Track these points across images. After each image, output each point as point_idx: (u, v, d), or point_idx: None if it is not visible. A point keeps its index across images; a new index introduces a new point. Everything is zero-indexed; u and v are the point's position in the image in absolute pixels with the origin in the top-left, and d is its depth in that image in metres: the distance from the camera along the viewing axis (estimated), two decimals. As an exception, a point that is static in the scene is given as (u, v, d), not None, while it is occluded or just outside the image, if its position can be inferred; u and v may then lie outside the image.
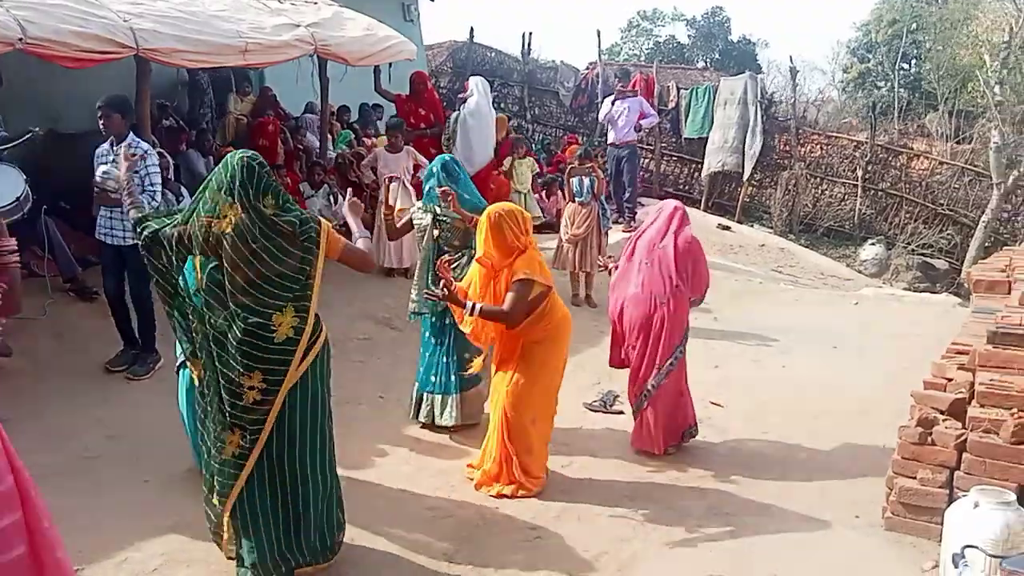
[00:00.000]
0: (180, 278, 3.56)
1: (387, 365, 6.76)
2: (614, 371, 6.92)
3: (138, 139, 5.89)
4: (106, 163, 5.79)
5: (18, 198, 5.20)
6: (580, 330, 7.91)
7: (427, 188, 5.54)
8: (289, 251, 3.34)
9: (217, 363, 3.41)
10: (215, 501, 3.60)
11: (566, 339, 4.76)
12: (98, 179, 5.65)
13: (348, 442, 5.15)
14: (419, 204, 5.64)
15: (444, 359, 5.41)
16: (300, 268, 3.38)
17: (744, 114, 14.14)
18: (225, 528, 3.62)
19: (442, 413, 5.43)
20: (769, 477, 5.01)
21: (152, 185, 5.79)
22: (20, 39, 5.53)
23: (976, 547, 3.27)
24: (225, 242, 3.28)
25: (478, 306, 4.45)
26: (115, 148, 5.77)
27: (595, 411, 6.09)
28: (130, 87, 7.02)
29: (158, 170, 5.88)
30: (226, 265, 3.30)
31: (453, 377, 5.41)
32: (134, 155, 5.62)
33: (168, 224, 3.54)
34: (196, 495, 4.27)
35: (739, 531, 4.36)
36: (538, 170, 9.85)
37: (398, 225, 5.64)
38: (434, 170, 5.48)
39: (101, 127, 5.79)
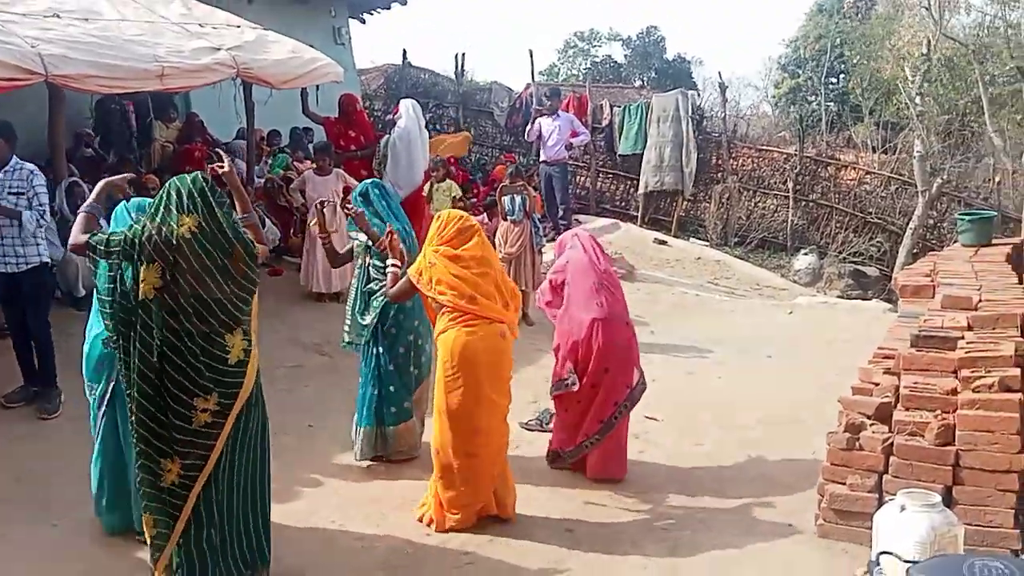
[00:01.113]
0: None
1: (316, 392, 6.59)
2: (549, 389, 6.90)
3: (21, 161, 5.67)
4: None
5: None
6: (517, 348, 7.85)
7: (362, 204, 5.40)
8: (236, 268, 3.32)
9: (163, 384, 3.25)
10: (149, 533, 3.43)
11: (459, 369, 4.23)
12: None
13: (275, 473, 4.94)
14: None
15: (372, 391, 5.24)
16: (243, 286, 3.35)
17: (678, 131, 14.29)
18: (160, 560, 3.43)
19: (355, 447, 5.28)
20: (705, 491, 4.99)
21: (40, 204, 5.63)
22: (-84, 67, 5.29)
23: (891, 553, 3.26)
24: (183, 247, 3.20)
25: (391, 268, 4.52)
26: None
27: (531, 430, 6.00)
28: (44, 116, 6.81)
29: (45, 189, 5.70)
30: (179, 274, 3.20)
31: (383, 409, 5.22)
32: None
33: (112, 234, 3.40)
34: (107, 539, 4.10)
35: (676, 547, 4.32)
36: (459, 194, 9.61)
37: (340, 251, 5.47)
38: (373, 194, 5.36)
39: None
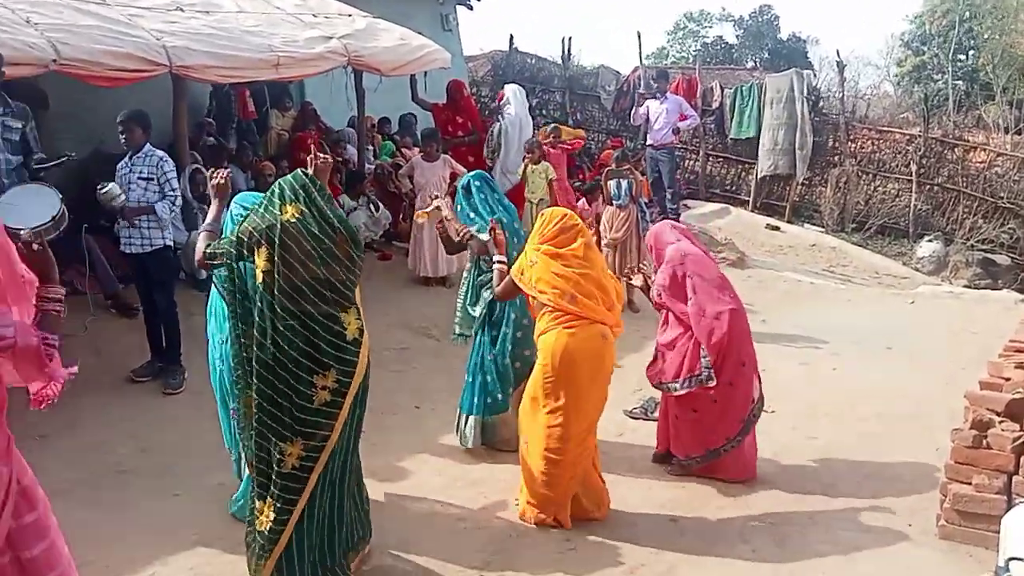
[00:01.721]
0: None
1: (423, 375, 6.69)
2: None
3: (152, 148, 5.98)
4: (124, 174, 5.92)
5: (54, 217, 5.18)
6: (621, 337, 7.78)
7: (470, 206, 5.36)
8: (341, 250, 3.40)
9: (282, 367, 3.29)
10: (268, 522, 3.37)
11: (558, 372, 4.13)
12: (99, 191, 5.74)
13: (382, 453, 5.12)
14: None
15: (473, 379, 5.26)
16: (350, 268, 3.44)
17: (792, 112, 13.80)
18: (277, 547, 3.40)
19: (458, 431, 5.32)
20: (817, 484, 4.81)
21: (172, 191, 5.94)
22: (54, 60, 5.62)
23: (1021, 559, 3.05)
24: (288, 230, 3.29)
25: (501, 265, 4.50)
26: (131, 160, 5.92)
27: (635, 419, 5.93)
28: (168, 106, 7.13)
29: (175, 175, 5.99)
30: (288, 256, 3.28)
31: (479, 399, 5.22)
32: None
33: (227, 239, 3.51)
34: (224, 509, 4.27)
35: (784, 541, 4.19)
36: (554, 176, 9.38)
37: (456, 239, 5.35)
38: (474, 187, 5.36)
39: (123, 141, 5.91)
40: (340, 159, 10.39)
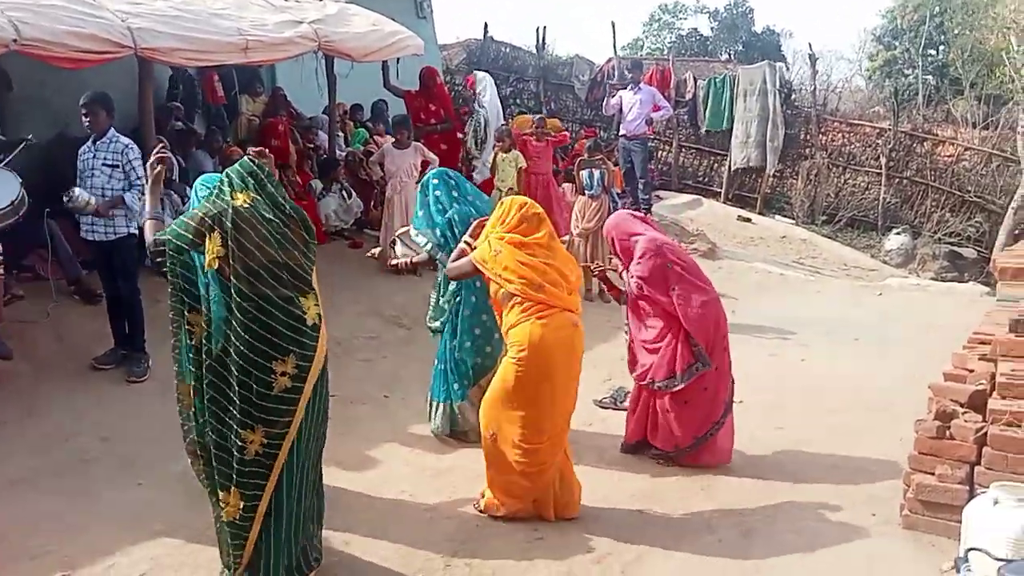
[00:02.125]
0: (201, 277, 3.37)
1: (393, 364, 6.65)
2: (624, 367, 6.79)
3: (118, 134, 5.87)
4: (87, 159, 5.81)
5: (12, 202, 5.16)
6: (592, 326, 7.69)
7: (426, 208, 5.17)
8: (296, 235, 3.38)
9: (239, 354, 3.22)
10: (237, 511, 3.33)
11: (534, 364, 4.03)
12: (65, 202, 5.61)
13: (348, 442, 5.09)
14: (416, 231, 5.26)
15: (441, 366, 5.26)
16: (306, 253, 3.40)
17: (764, 105, 13.89)
18: (251, 535, 3.37)
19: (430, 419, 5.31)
20: (783, 475, 4.84)
21: (139, 179, 5.80)
22: (15, 40, 5.47)
23: (981, 550, 3.09)
24: (240, 214, 3.24)
25: (465, 246, 4.40)
26: (95, 144, 5.80)
27: (604, 408, 5.94)
28: (134, 90, 7.00)
29: (141, 162, 5.82)
30: (243, 240, 3.22)
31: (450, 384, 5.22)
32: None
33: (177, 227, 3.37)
34: (187, 498, 4.21)
35: (750, 532, 4.21)
36: (524, 165, 9.33)
37: (419, 263, 5.34)
38: (431, 186, 5.16)
39: (86, 124, 5.79)
40: (311, 146, 10.29)
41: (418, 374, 6.38)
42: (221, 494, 3.36)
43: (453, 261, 4.47)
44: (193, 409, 3.44)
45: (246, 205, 3.28)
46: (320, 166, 9.84)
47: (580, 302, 4.34)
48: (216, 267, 3.22)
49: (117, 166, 5.77)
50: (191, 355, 3.38)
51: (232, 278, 3.21)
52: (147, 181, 3.75)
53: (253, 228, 3.25)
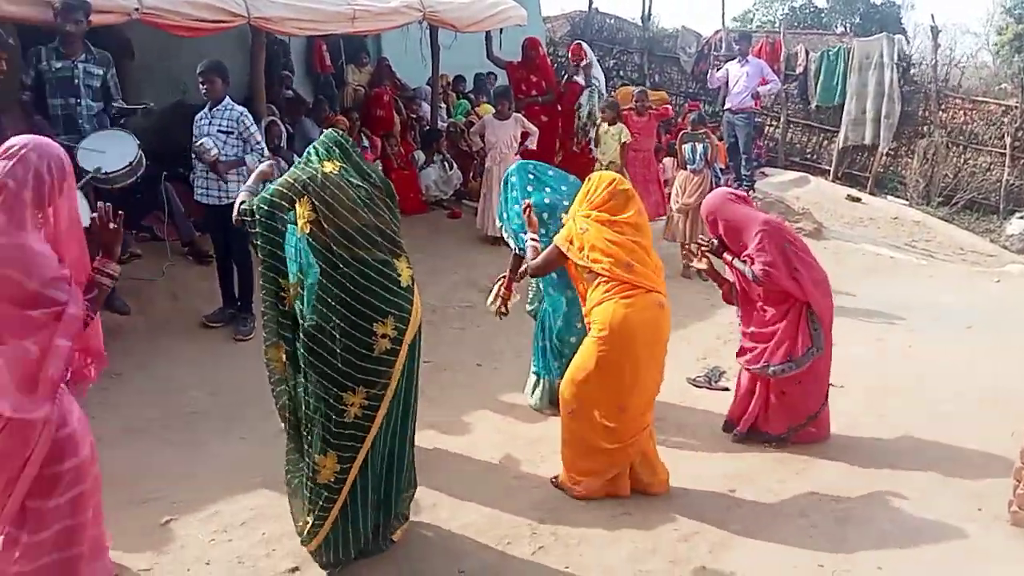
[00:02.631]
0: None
1: (487, 334, 6.70)
2: (720, 347, 6.71)
3: (232, 102, 6.08)
4: (202, 126, 6.04)
5: (130, 163, 5.40)
6: (688, 304, 7.67)
7: (509, 202, 5.08)
8: (382, 199, 3.44)
9: (340, 316, 3.23)
10: (332, 474, 3.35)
11: (616, 345, 3.95)
12: (197, 148, 5.90)
13: (441, 407, 5.18)
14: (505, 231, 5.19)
15: (539, 343, 5.28)
16: (394, 217, 3.46)
17: (880, 79, 13.27)
18: (340, 497, 3.39)
19: (531, 394, 5.34)
20: (883, 463, 4.67)
21: (257, 143, 6.05)
22: (136, 9, 5.73)
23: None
24: (328, 180, 3.29)
25: (533, 242, 4.29)
26: (211, 112, 6.01)
27: (699, 387, 5.85)
28: (247, 59, 7.25)
29: (256, 128, 6.10)
30: (335, 204, 3.25)
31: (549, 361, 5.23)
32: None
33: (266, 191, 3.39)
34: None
35: (845, 519, 4.09)
36: (628, 139, 9.06)
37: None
38: (509, 184, 5.08)
39: (203, 92, 6.02)
40: (414, 116, 10.44)
41: (510, 345, 6.45)
42: (317, 457, 3.36)
43: (531, 259, 4.28)
44: (286, 374, 3.47)
45: (335, 172, 3.33)
46: (422, 137, 9.97)
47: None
48: (308, 231, 3.23)
49: (232, 132, 5.99)
50: (283, 320, 3.40)
51: (328, 242, 3.23)
52: (256, 176, 3.78)
53: (344, 192, 3.29)
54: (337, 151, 3.42)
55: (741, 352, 4.91)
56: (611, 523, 4.00)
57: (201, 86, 6.00)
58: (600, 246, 3.94)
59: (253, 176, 3.80)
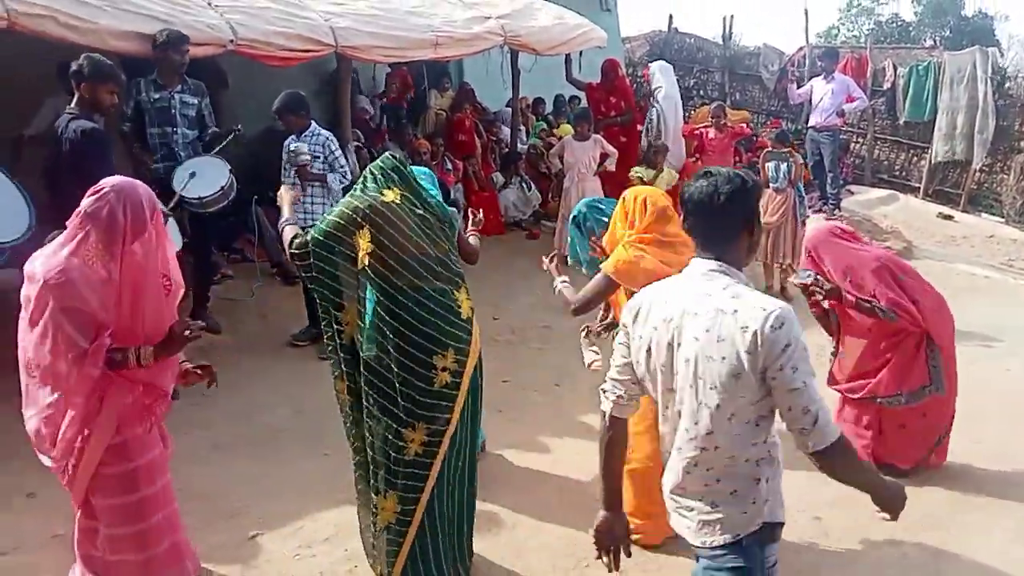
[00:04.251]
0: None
1: (564, 354, 6.68)
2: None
3: (318, 127, 6.26)
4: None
5: (223, 187, 5.61)
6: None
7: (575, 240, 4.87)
8: (441, 230, 3.36)
9: (398, 349, 3.13)
10: (394, 515, 3.28)
11: None
12: (291, 152, 6.05)
13: (520, 428, 5.21)
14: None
15: None
16: (451, 249, 3.38)
17: (973, 93, 12.79)
18: (407, 540, 3.30)
19: None
20: (980, 491, 4.49)
21: (341, 167, 6.22)
22: (231, 40, 5.98)
23: None
24: (389, 209, 3.18)
25: (558, 286, 3.92)
26: (299, 138, 6.19)
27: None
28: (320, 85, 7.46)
29: (342, 152, 6.29)
30: (394, 233, 3.14)
31: None
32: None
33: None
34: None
35: (940, 550, 3.94)
36: (674, 183, 8.77)
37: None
38: (581, 216, 4.77)
39: (283, 128, 6.28)
40: (495, 139, 10.57)
41: (589, 365, 6.42)
42: (376, 499, 3.29)
43: (571, 299, 3.92)
44: (349, 409, 3.38)
45: (396, 201, 3.23)
46: (502, 159, 10.09)
47: None
48: (367, 263, 3.13)
49: (319, 157, 6.16)
50: (343, 355, 3.31)
51: (387, 273, 3.14)
52: (287, 205, 3.63)
53: (403, 222, 3.19)
54: (396, 177, 3.32)
55: (833, 381, 4.73)
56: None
57: (279, 122, 6.22)
58: (660, 272, 3.56)
59: (285, 207, 3.61)
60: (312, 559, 3.74)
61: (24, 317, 2.98)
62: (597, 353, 4.56)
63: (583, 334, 4.59)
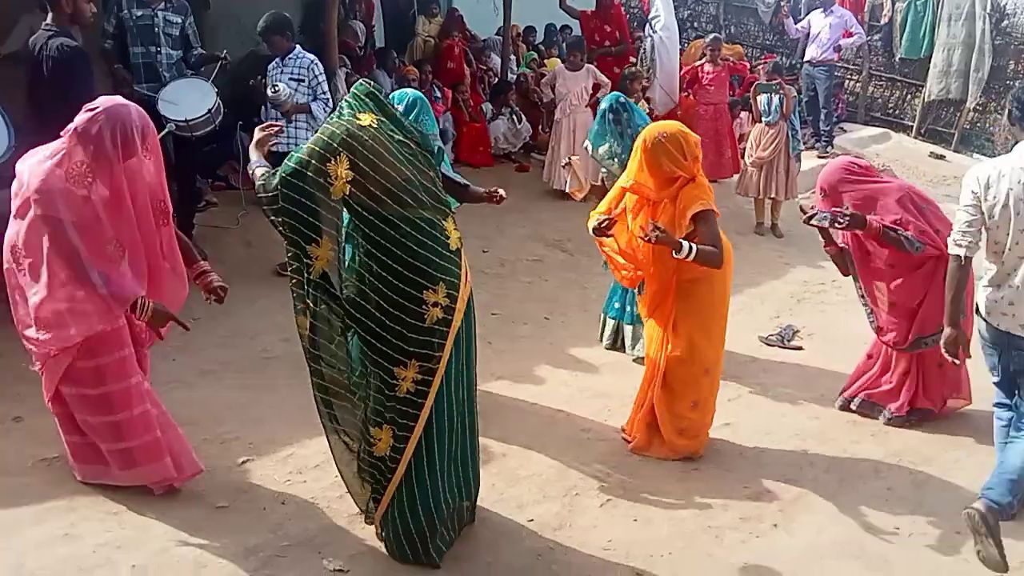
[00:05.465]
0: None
1: (554, 287, 6.69)
2: (794, 305, 6.58)
3: (303, 51, 6.10)
4: (275, 75, 6.08)
5: (209, 110, 5.47)
6: (762, 261, 7.53)
7: (596, 130, 5.31)
8: (423, 157, 3.17)
9: (387, 284, 2.98)
10: (387, 448, 3.14)
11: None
12: (270, 94, 5.91)
13: (509, 360, 5.20)
14: (601, 152, 5.24)
15: (615, 284, 5.26)
16: (436, 172, 3.21)
17: (971, 31, 12.59)
18: (396, 474, 3.18)
19: (634, 345, 5.30)
20: (967, 429, 4.55)
21: (324, 93, 6.07)
22: (213, -43, 5.76)
23: None
24: (366, 134, 2.98)
25: (695, 248, 3.71)
26: (282, 62, 6.06)
27: (771, 345, 5.74)
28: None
29: (325, 77, 6.13)
30: (375, 160, 2.96)
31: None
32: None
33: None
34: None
35: (924, 483, 4.03)
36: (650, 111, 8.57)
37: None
38: (602, 111, 5.26)
39: (267, 49, 6.12)
40: (484, 68, 10.34)
41: (578, 298, 6.43)
42: (372, 430, 3.15)
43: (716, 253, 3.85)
44: (333, 347, 3.10)
45: (373, 125, 3.03)
46: (492, 89, 9.89)
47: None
48: (348, 192, 2.93)
49: (303, 80, 6.01)
50: (310, 290, 3.01)
51: (370, 202, 2.97)
52: (257, 146, 3.34)
53: (384, 147, 3.00)
54: (371, 103, 3.11)
55: (881, 331, 4.58)
56: (681, 478, 3.98)
57: (264, 44, 6.06)
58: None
59: (253, 149, 3.33)
60: (303, 484, 3.74)
61: (13, 207, 3.13)
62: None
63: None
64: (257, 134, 3.39)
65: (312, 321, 3.06)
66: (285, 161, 2.99)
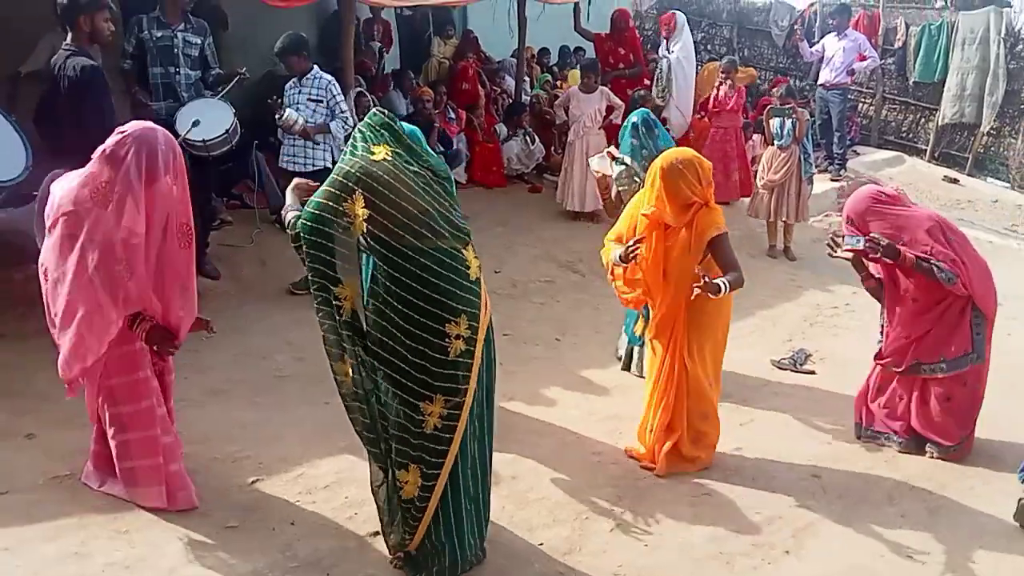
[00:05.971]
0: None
1: (566, 308, 6.69)
2: (807, 329, 6.56)
3: (320, 71, 6.18)
4: (292, 95, 6.17)
5: (227, 130, 5.53)
6: (774, 284, 7.52)
7: (624, 142, 5.41)
8: (440, 186, 3.14)
9: (406, 319, 2.95)
10: (416, 489, 3.11)
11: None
12: (277, 119, 6.03)
13: (521, 381, 5.19)
14: (621, 169, 5.29)
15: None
16: (453, 205, 3.15)
17: (985, 55, 12.58)
18: (426, 514, 3.15)
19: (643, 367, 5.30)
20: (980, 456, 4.49)
21: (342, 112, 6.16)
22: (232, -21, 5.84)
23: None
24: (381, 169, 2.97)
25: (728, 284, 3.75)
26: (300, 82, 6.15)
27: (783, 369, 5.71)
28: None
29: (342, 97, 6.22)
30: (390, 194, 2.93)
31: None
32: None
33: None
34: (369, 420, 4.43)
35: (938, 510, 3.97)
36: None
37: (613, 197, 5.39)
38: (633, 124, 5.34)
39: (284, 70, 6.23)
40: (498, 89, 10.40)
41: (589, 319, 6.43)
42: (399, 473, 3.12)
43: (731, 264, 3.97)
44: (358, 388, 3.11)
45: (387, 158, 3.01)
46: (506, 110, 9.94)
47: None
48: (365, 230, 2.92)
49: (321, 101, 6.10)
50: (344, 332, 3.04)
51: (386, 237, 2.94)
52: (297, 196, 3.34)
53: (398, 180, 2.97)
54: (386, 134, 3.07)
55: (880, 356, 4.54)
56: (692, 503, 3.95)
57: (281, 65, 6.15)
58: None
59: (290, 192, 3.38)
60: (312, 505, 3.74)
61: (47, 226, 3.28)
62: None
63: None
64: (297, 181, 3.46)
65: (353, 362, 3.07)
66: (305, 207, 3.03)
